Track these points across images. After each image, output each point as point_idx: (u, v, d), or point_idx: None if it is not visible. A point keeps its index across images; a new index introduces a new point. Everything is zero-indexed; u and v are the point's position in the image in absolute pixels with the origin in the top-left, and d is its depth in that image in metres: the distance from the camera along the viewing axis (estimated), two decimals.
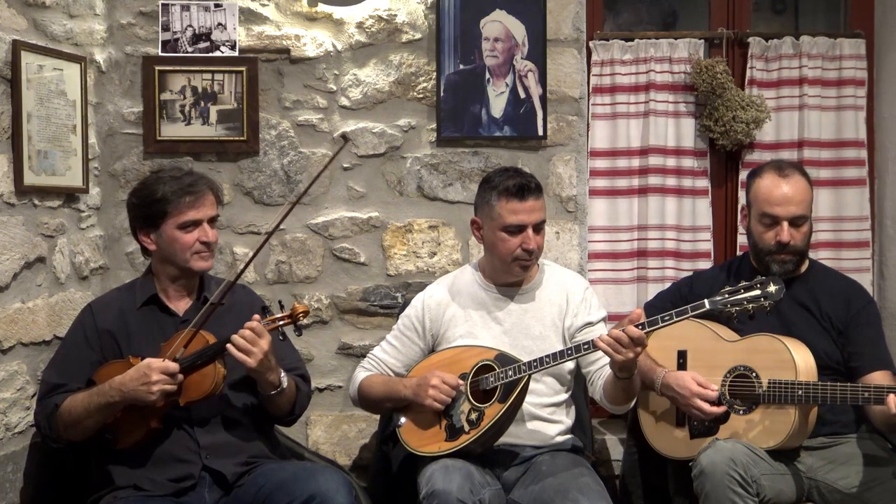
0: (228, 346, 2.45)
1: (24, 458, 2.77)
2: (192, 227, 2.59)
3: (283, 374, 2.57)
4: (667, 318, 2.44)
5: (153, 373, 2.40)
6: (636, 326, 2.42)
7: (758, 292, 2.43)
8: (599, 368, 2.72)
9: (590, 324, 2.77)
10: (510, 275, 2.77)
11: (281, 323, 2.53)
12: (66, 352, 2.65)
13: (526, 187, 2.68)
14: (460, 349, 2.74)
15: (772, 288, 2.42)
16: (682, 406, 2.70)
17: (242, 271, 2.60)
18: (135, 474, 2.51)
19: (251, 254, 3.40)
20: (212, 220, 2.64)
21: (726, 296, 2.45)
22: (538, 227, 2.71)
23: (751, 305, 2.43)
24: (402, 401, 2.71)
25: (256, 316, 2.51)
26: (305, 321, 2.54)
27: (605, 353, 2.45)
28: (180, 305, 2.67)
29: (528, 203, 2.68)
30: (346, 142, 2.66)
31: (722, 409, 2.66)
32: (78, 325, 2.68)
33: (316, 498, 2.36)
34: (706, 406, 2.64)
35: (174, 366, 2.43)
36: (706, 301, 2.45)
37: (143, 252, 2.73)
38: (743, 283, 2.46)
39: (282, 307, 2.57)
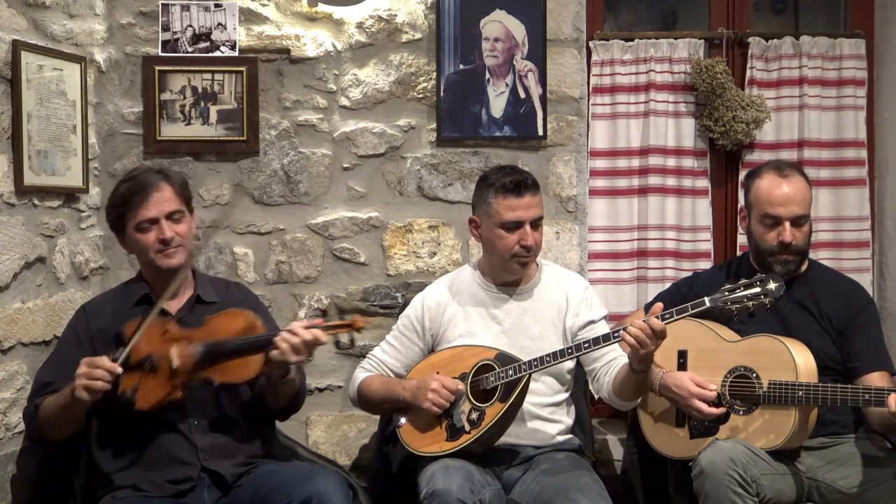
0: (278, 341, 2.41)
1: (24, 457, 2.77)
2: (148, 226, 2.55)
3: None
4: (682, 310, 2.44)
5: (80, 367, 2.35)
6: (657, 318, 2.43)
7: (758, 290, 2.43)
8: (605, 364, 2.71)
9: (591, 322, 2.77)
10: (509, 273, 2.77)
11: (337, 332, 2.50)
12: (59, 352, 2.64)
13: (522, 184, 2.68)
14: (460, 349, 2.74)
15: (772, 285, 2.42)
16: (682, 407, 2.70)
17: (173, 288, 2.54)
18: (134, 475, 2.50)
19: (250, 254, 3.42)
20: (172, 215, 2.57)
21: (727, 293, 2.45)
22: (536, 224, 2.71)
23: (751, 303, 2.43)
24: (401, 402, 2.71)
25: (319, 320, 2.49)
26: (358, 335, 2.53)
27: (632, 346, 2.43)
28: (173, 304, 2.64)
29: (524, 199, 2.68)
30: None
31: (721, 409, 2.66)
32: (71, 326, 2.68)
33: (314, 499, 2.35)
34: (704, 406, 2.63)
35: (113, 366, 2.34)
36: (706, 299, 2.45)
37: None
38: (743, 281, 2.46)
39: (342, 315, 2.54)
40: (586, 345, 2.57)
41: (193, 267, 2.74)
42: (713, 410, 2.64)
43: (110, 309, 2.65)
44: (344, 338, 2.52)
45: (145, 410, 2.44)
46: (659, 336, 2.42)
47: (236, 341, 2.47)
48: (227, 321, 2.53)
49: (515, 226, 2.68)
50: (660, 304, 2.48)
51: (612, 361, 2.70)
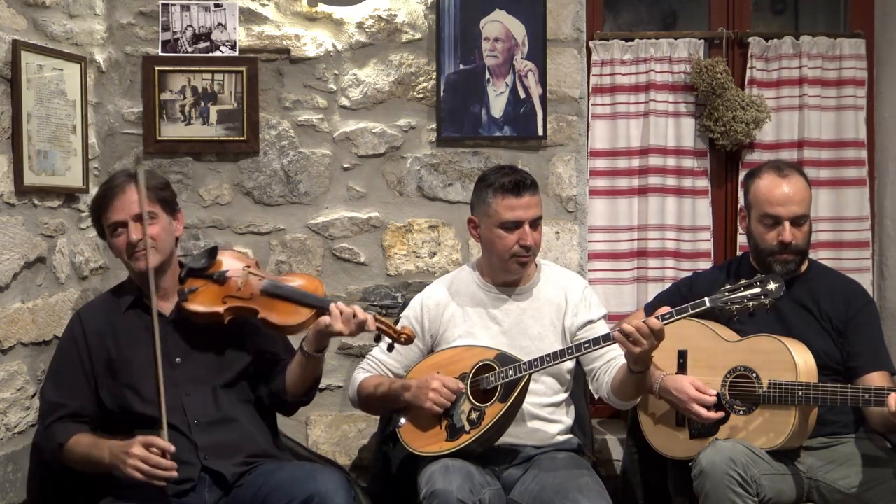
0: (332, 307, 2.50)
1: (24, 457, 2.77)
2: (119, 229, 2.56)
3: None
4: (682, 310, 2.45)
5: (135, 446, 2.37)
6: (657, 318, 2.43)
7: (758, 290, 2.43)
8: (604, 364, 2.72)
9: (590, 322, 2.77)
10: (508, 273, 2.77)
11: (384, 330, 2.55)
12: (61, 365, 2.64)
13: (521, 183, 2.69)
14: (460, 349, 2.74)
15: (772, 286, 2.42)
16: (681, 410, 2.70)
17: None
18: None
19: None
20: (141, 217, 2.55)
21: (727, 294, 2.46)
22: (535, 224, 2.71)
23: (751, 303, 2.43)
24: (402, 402, 2.70)
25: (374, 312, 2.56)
26: (398, 346, 2.60)
27: (624, 345, 2.44)
28: (165, 306, 2.64)
29: (524, 199, 2.68)
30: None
31: (720, 414, 2.66)
32: (69, 335, 2.67)
33: (315, 498, 2.35)
34: (703, 411, 2.63)
35: (167, 445, 2.38)
36: (706, 299, 2.45)
37: None
38: (743, 282, 2.47)
39: (397, 321, 2.70)
40: (586, 345, 2.57)
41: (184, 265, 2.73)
42: (712, 415, 2.64)
43: (104, 313, 2.66)
44: (385, 339, 2.56)
45: (188, 311, 2.56)
46: (657, 336, 2.42)
47: (297, 289, 2.58)
48: (302, 278, 2.69)
49: (515, 225, 2.69)
50: (666, 307, 2.48)
51: (611, 361, 2.70)
